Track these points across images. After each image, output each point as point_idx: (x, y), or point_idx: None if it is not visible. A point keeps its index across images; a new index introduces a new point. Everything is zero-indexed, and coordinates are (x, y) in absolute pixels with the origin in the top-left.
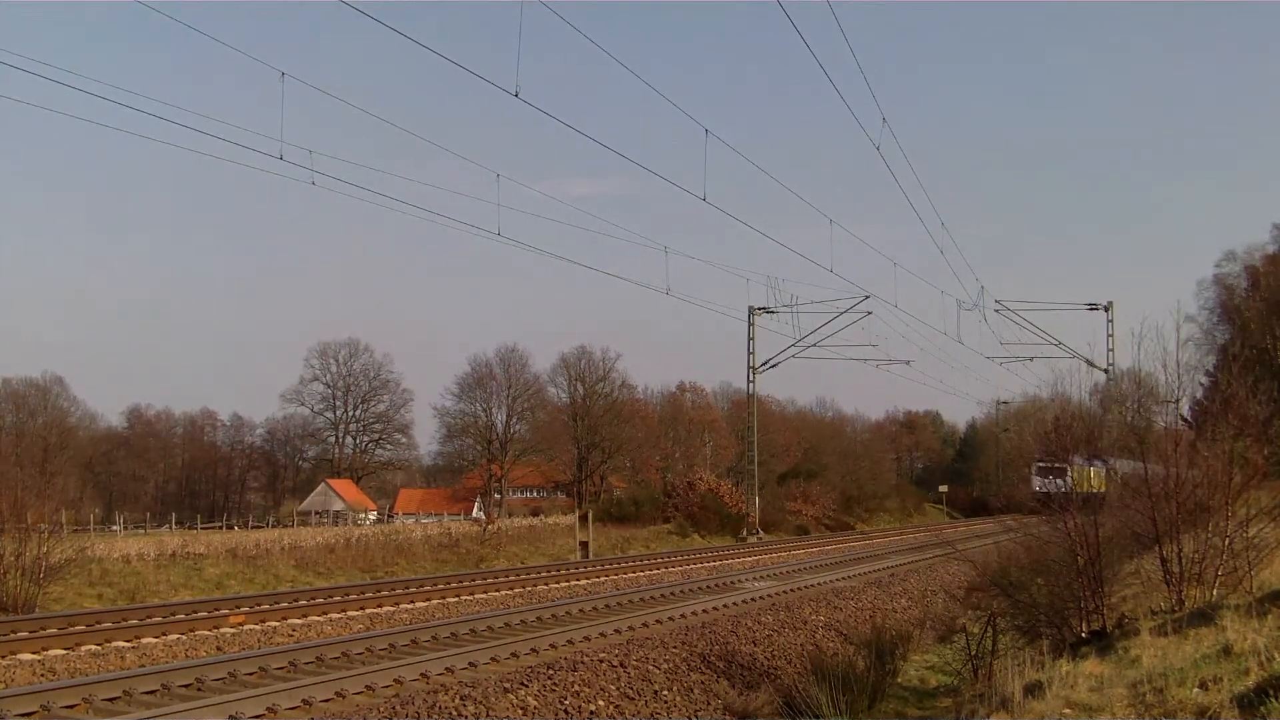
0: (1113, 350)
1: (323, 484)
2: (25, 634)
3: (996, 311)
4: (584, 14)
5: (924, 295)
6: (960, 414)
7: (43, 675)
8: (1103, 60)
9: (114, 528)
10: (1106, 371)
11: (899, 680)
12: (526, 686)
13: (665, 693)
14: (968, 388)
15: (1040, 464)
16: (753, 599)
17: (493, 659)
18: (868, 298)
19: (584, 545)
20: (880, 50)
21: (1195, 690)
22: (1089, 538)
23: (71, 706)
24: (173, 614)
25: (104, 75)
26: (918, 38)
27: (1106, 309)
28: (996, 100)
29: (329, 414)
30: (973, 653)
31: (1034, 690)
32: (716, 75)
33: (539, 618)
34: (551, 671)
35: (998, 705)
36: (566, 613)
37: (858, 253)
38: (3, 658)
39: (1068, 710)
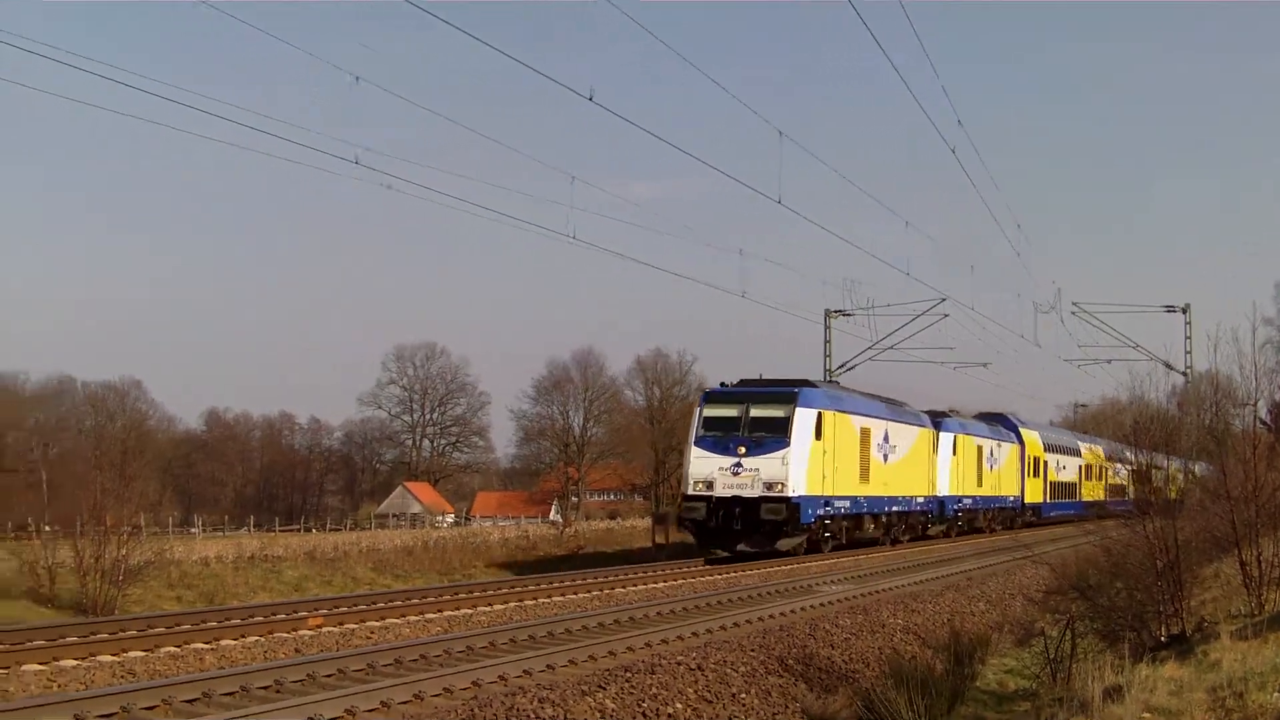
0: (1190, 353)
1: (400, 487)
2: (105, 636)
3: (1073, 314)
4: (656, 15)
5: (1001, 297)
6: (1039, 417)
7: (122, 677)
8: (1168, 61)
9: (192, 530)
10: (1185, 374)
11: (977, 684)
12: (604, 689)
13: (743, 695)
14: (1045, 390)
15: (711, 412)
16: (829, 602)
17: (570, 661)
18: (944, 300)
19: (661, 548)
20: (955, 50)
21: (1276, 695)
22: (1168, 541)
23: (151, 708)
24: (251, 616)
25: (182, 81)
26: (992, 37)
27: (1184, 311)
28: (1072, 100)
29: (406, 417)
30: (1051, 656)
31: (1113, 694)
32: (790, 77)
33: (616, 620)
34: (629, 674)
35: (1076, 709)
36: (644, 615)
37: (934, 255)
38: (82, 659)
39: (1147, 714)
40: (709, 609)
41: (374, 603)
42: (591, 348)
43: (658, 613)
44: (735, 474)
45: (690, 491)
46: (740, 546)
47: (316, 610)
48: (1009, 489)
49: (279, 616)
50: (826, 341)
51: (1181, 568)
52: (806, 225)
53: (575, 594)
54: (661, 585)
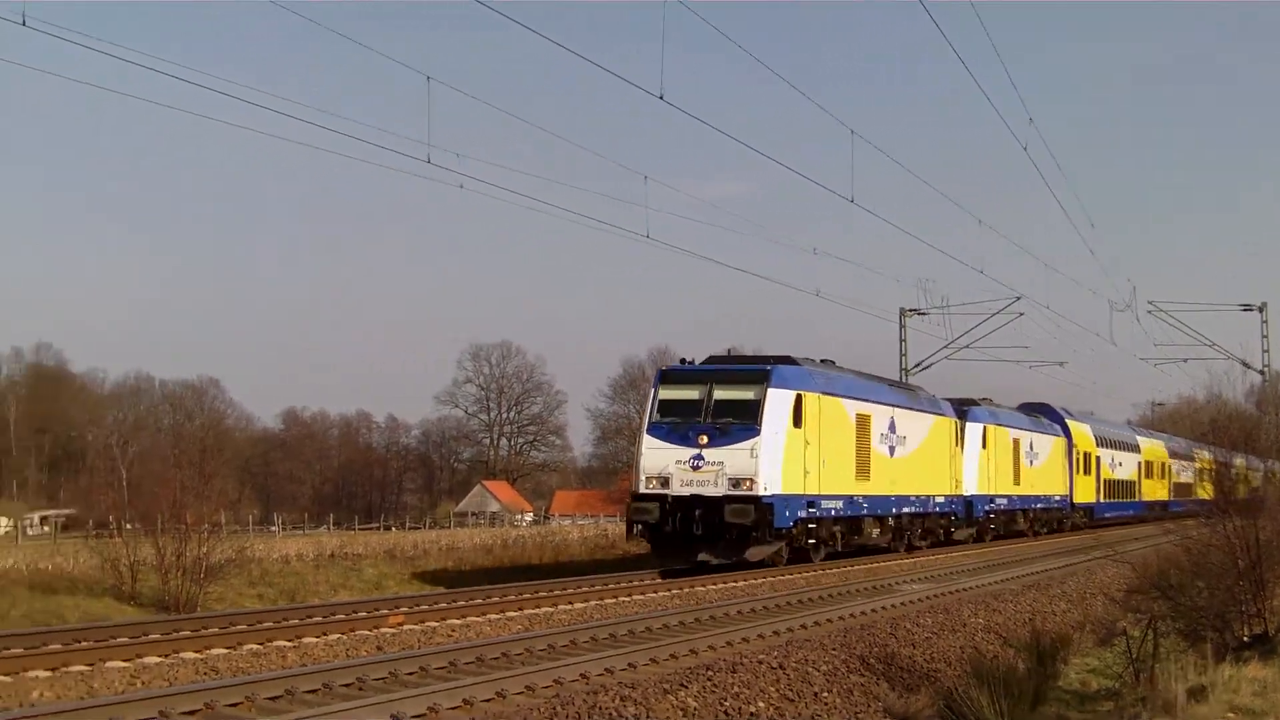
0: (1267, 351)
1: (478, 485)
2: (188, 633)
3: (1149, 312)
4: (725, 14)
5: (1075, 296)
6: (1114, 416)
7: (205, 674)
8: (1243, 55)
9: (272, 528)
10: (1263, 373)
11: (1059, 683)
12: (686, 688)
13: (825, 694)
14: (1121, 389)
15: (668, 394)
16: (910, 601)
17: (652, 660)
18: (1019, 299)
19: None
20: (1024, 45)
21: None
22: (1249, 540)
23: (235, 705)
24: (332, 614)
25: (249, 79)
26: (1062, 32)
27: (1261, 309)
28: (1145, 97)
29: (483, 416)
30: (1133, 656)
31: (1197, 694)
32: (860, 74)
33: (697, 619)
34: (710, 673)
35: (1160, 709)
36: (725, 614)
37: (1008, 253)
38: (166, 656)
39: (1231, 714)
40: (789, 607)
41: (455, 600)
42: (667, 346)
43: (738, 611)
44: (695, 468)
45: (642, 490)
46: (702, 556)
47: (397, 608)
48: (1053, 487)
49: (360, 614)
50: (902, 340)
51: (1264, 567)
52: (879, 223)
53: (655, 592)
54: (741, 584)
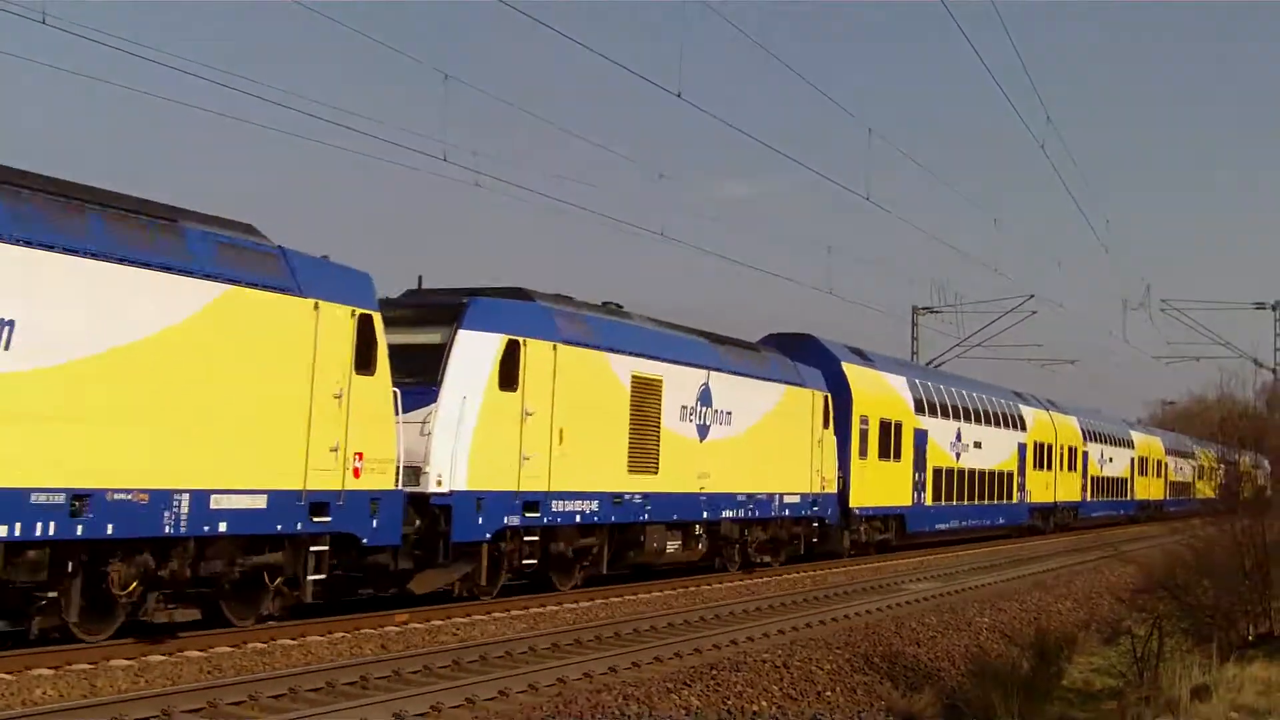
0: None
1: None
2: (192, 631)
3: (1162, 311)
4: (743, 11)
5: (1089, 295)
6: (1125, 414)
7: (209, 672)
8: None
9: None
10: (1274, 371)
11: (1064, 682)
12: (690, 686)
13: (828, 693)
14: (1133, 388)
15: None
16: (916, 600)
17: (656, 659)
18: (1032, 297)
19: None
20: (1043, 44)
21: None
22: (1256, 540)
23: (238, 703)
24: (339, 611)
25: (264, 77)
26: (1081, 31)
27: (1274, 308)
28: (1161, 96)
29: None
30: (1138, 655)
31: (1200, 693)
32: (877, 73)
33: (702, 618)
34: (715, 672)
35: (1164, 708)
36: (730, 613)
37: (1022, 252)
38: (170, 655)
39: (1234, 714)
40: (795, 606)
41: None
42: None
43: (744, 610)
44: None
45: None
46: None
47: (403, 607)
48: (786, 480)
49: (365, 613)
50: (914, 339)
51: (1269, 567)
52: (894, 222)
53: (661, 591)
54: (749, 582)
